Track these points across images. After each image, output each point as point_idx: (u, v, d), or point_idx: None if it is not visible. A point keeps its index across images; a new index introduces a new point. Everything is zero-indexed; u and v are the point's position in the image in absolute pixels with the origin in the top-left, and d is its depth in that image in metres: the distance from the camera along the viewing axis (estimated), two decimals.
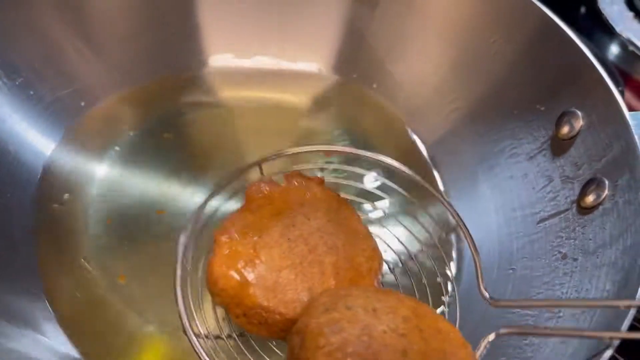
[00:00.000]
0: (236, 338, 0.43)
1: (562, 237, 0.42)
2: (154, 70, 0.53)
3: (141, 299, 0.43)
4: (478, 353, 0.39)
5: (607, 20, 0.59)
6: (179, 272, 0.41)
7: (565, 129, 0.43)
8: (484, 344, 0.40)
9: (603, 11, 0.60)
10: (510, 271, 0.44)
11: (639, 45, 0.57)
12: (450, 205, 0.45)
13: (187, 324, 0.40)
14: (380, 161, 0.46)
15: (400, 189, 0.47)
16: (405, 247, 0.49)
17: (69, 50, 0.49)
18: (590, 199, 0.41)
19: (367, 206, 0.50)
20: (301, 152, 0.47)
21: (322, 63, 0.54)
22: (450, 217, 0.46)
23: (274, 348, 0.44)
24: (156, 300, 0.43)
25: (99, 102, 0.50)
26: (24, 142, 0.46)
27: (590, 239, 0.40)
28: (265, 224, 0.43)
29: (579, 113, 0.42)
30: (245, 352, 0.43)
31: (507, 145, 0.47)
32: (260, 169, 0.47)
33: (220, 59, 0.54)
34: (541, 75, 0.45)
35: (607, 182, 0.40)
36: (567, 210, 0.42)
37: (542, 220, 0.44)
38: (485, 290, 0.42)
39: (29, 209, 0.44)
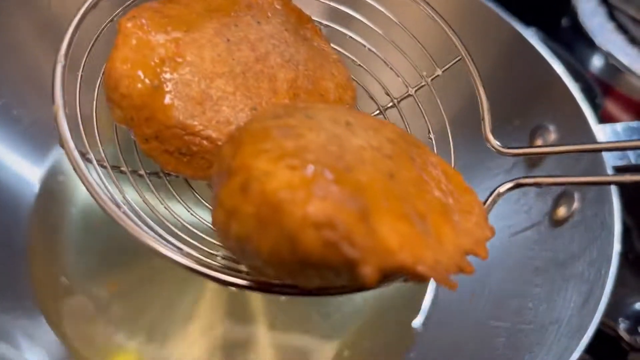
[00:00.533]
0: (145, 176, 0.30)
1: (535, 249, 0.39)
2: None
3: (128, 311, 0.39)
4: (485, 206, 0.28)
5: (588, 33, 0.55)
6: (59, 66, 0.27)
7: (538, 143, 0.41)
8: (493, 195, 0.29)
9: (584, 24, 0.55)
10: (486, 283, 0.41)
11: (618, 58, 0.52)
12: (451, 28, 0.34)
13: (66, 135, 0.25)
14: None
15: (386, 11, 0.35)
16: (386, 90, 0.36)
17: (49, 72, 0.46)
18: (561, 211, 0.39)
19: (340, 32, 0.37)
20: None
21: None
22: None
23: (198, 196, 0.31)
24: (143, 313, 0.39)
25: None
26: (6, 165, 0.42)
27: (560, 251, 0.38)
28: (194, 19, 0.29)
29: (551, 127, 0.40)
30: (154, 192, 0.30)
31: (484, 159, 0.42)
32: None
33: None
34: (515, 90, 0.42)
35: (576, 196, 0.38)
36: (540, 222, 0.39)
37: (517, 232, 0.41)
38: (493, 135, 0.32)
39: (19, 227, 0.41)
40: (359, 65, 0.37)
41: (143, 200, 0.28)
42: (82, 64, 0.29)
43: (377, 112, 0.36)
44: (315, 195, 0.20)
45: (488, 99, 0.33)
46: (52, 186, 0.44)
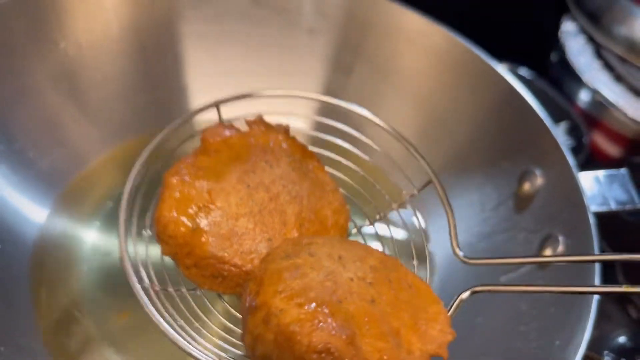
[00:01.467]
0: (185, 292, 0.37)
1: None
2: (141, 129, 0.51)
3: (137, 344, 0.40)
4: (450, 311, 0.34)
5: (575, 70, 0.59)
6: (122, 217, 0.35)
7: (526, 186, 0.43)
8: (457, 302, 0.35)
9: (571, 61, 0.59)
10: (476, 319, 0.42)
11: (605, 94, 0.55)
12: (423, 157, 0.40)
13: (130, 271, 0.34)
14: (353, 112, 0.41)
15: (371, 143, 0.43)
16: (375, 205, 0.44)
17: (62, 115, 0.47)
18: (547, 253, 0.41)
19: (335, 160, 0.45)
20: (266, 96, 0.42)
21: (303, 121, 0.52)
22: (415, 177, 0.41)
23: (228, 306, 0.38)
24: (153, 346, 0.41)
25: (90, 162, 0.48)
26: (13, 210, 0.43)
27: (545, 294, 0.39)
28: (222, 169, 0.37)
29: (538, 172, 0.42)
30: (195, 306, 0.37)
31: (476, 201, 0.45)
32: (219, 111, 0.41)
33: (204, 117, 0.55)
34: (504, 136, 0.45)
35: (561, 239, 0.40)
36: (527, 263, 0.42)
37: (506, 272, 0.42)
38: (459, 248, 0.38)
39: (26, 267, 0.42)
40: (355, 185, 0.44)
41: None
42: (135, 224, 0.36)
43: (369, 224, 0.44)
44: (316, 327, 0.28)
45: (454, 217, 0.38)
46: (63, 225, 0.45)
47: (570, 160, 0.42)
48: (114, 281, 0.44)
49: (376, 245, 0.40)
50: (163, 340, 0.37)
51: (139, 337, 0.41)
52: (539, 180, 0.42)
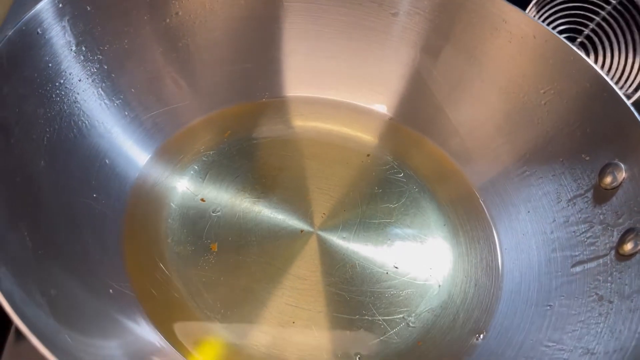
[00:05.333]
0: None
1: (600, 279, 0.43)
2: (236, 97, 0.56)
3: (214, 304, 0.44)
4: None
5: None
6: None
7: (608, 179, 0.45)
8: None
9: None
10: (548, 307, 0.45)
11: None
12: None
13: None
14: None
15: None
16: None
17: (165, 78, 0.52)
18: (628, 247, 0.42)
19: None
20: None
21: (388, 104, 0.57)
22: None
23: None
24: (230, 305, 0.44)
25: (185, 123, 0.54)
26: (119, 156, 0.48)
27: (626, 284, 0.41)
28: None
29: (622, 166, 0.44)
30: None
31: (552, 190, 0.49)
32: None
33: (295, 92, 0.58)
34: (587, 127, 0.47)
35: None
36: (605, 255, 0.43)
37: (581, 262, 0.44)
38: None
39: (121, 215, 0.46)
40: None
41: None
42: None
43: None
44: None
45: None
46: (156, 178, 0.50)
47: None
48: (199, 233, 0.47)
49: None
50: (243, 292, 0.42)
51: (218, 289, 0.44)
52: (623, 174, 0.44)
